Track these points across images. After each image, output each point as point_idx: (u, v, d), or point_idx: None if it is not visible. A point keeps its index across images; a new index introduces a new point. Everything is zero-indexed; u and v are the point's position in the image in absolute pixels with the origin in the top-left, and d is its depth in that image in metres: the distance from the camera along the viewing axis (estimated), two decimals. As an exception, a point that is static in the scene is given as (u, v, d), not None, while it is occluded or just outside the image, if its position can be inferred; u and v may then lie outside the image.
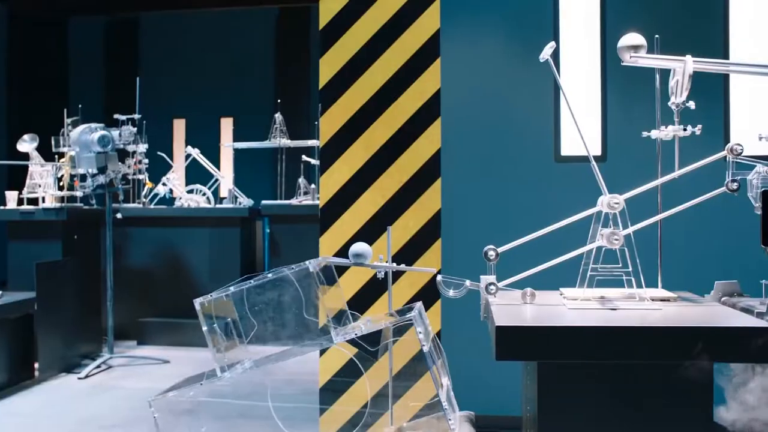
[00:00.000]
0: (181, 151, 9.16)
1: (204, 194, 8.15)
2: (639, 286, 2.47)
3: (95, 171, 6.12)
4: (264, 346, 2.67)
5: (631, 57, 2.52)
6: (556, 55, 4.28)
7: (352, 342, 2.42)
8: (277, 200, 8.13)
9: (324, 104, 3.98)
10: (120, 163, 7.26)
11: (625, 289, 2.54)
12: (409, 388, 3.09)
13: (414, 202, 3.93)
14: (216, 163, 8.99)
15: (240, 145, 8.44)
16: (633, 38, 2.60)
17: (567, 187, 4.19)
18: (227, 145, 8.54)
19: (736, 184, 2.46)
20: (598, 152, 4.41)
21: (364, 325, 2.46)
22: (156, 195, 8.09)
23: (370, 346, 2.41)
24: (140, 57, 12.67)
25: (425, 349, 2.37)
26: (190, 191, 8.18)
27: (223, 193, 8.96)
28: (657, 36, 2.79)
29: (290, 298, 2.49)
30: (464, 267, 4.09)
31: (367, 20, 3.95)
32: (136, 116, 7.55)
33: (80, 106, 6.97)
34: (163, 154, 8.34)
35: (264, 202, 7.82)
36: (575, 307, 2.45)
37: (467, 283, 2.58)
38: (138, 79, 7.77)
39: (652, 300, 2.54)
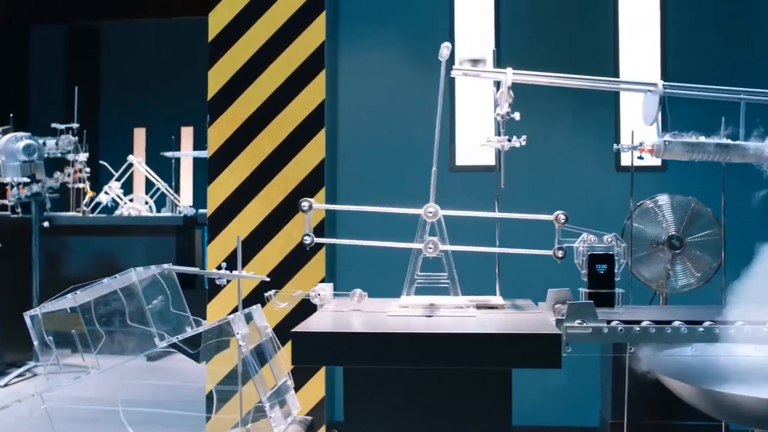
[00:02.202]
0: (142, 161, 9.19)
1: (146, 202, 8.20)
2: (456, 293, 2.53)
3: (20, 180, 6.15)
4: (104, 354, 2.72)
5: (454, 68, 2.60)
6: (452, 65, 4.36)
7: (173, 345, 2.47)
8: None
9: (212, 115, 4.04)
10: (59, 173, 7.33)
11: (459, 296, 2.60)
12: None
13: (299, 211, 3.97)
14: (176, 172, 8.97)
15: (177, 154, 8.49)
16: (473, 53, 2.68)
17: (461, 196, 4.27)
18: (166, 155, 8.58)
19: (561, 252, 2.53)
20: (492, 161, 4.49)
21: (190, 328, 2.52)
22: (99, 203, 8.13)
23: (191, 349, 2.47)
24: (102, 66, 12.72)
25: (243, 350, 2.42)
26: (132, 200, 8.23)
27: (184, 200, 8.96)
28: (494, 49, 2.86)
29: (119, 307, 2.54)
30: (350, 276, 4.18)
31: (254, 33, 4.02)
32: (75, 125, 7.60)
33: (11, 114, 7.00)
34: (105, 163, 8.38)
35: (201, 210, 7.86)
36: (394, 314, 2.50)
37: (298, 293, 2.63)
38: (77, 88, 7.82)
39: (477, 308, 2.60)
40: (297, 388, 3.96)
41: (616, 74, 4.36)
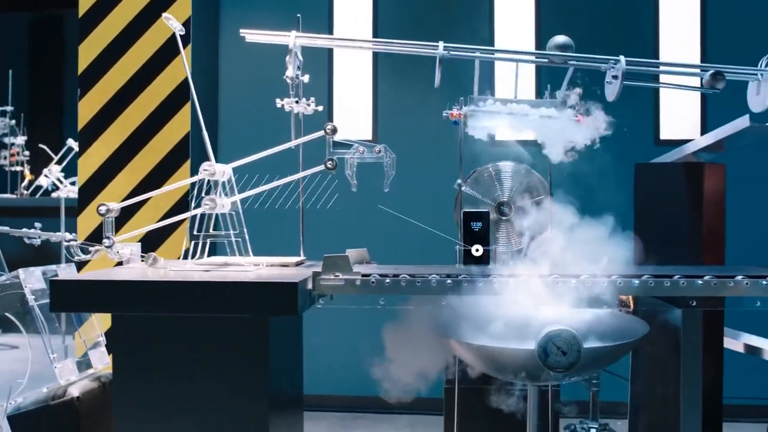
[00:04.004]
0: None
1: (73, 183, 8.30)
2: (245, 252, 2.61)
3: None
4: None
5: (242, 32, 2.70)
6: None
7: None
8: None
9: (83, 89, 4.14)
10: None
11: (260, 257, 2.71)
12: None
13: (165, 182, 4.09)
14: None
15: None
16: (560, 39, 2.80)
17: (341, 168, 4.37)
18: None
19: (331, 162, 2.60)
20: (369, 136, 4.59)
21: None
22: (39, 187, 8.23)
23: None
24: (65, 53, 12.81)
25: (30, 303, 2.53)
26: (73, 183, 8.33)
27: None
28: (299, 15, 2.94)
29: None
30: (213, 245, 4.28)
31: (123, 8, 4.12)
32: (9, 108, 7.73)
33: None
34: (45, 147, 8.48)
35: (135, 192, 7.96)
36: (176, 269, 2.60)
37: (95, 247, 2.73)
38: (11, 71, 7.93)
39: (269, 266, 2.70)
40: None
41: (492, 42, 4.46)
